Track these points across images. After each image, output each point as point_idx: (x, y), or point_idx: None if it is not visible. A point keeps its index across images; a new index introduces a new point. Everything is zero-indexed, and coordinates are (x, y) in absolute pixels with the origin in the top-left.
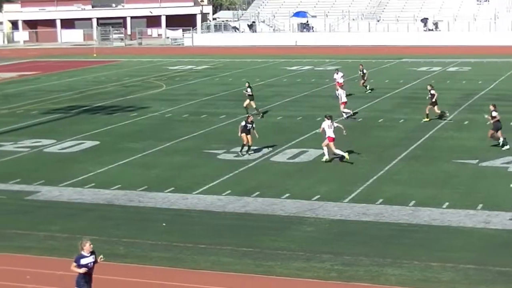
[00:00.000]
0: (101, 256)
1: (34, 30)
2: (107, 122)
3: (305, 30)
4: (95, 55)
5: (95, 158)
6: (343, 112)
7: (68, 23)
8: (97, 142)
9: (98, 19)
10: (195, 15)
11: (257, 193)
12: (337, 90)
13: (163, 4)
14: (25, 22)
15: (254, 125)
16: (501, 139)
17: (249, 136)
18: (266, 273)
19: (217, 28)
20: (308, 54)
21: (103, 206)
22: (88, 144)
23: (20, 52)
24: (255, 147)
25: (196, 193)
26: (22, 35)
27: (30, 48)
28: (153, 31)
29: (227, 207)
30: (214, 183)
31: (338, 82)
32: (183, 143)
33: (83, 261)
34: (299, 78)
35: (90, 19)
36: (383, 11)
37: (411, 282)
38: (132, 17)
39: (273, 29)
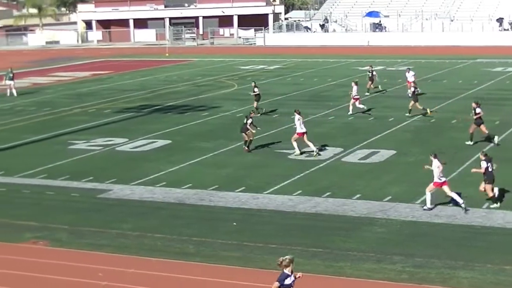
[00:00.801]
0: (300, 273)
1: (107, 30)
2: (179, 121)
3: (377, 30)
4: (167, 54)
5: (166, 157)
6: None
7: (141, 23)
8: (169, 141)
9: (170, 19)
10: (267, 14)
11: (328, 193)
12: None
13: (235, 4)
14: (98, 22)
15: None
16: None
17: (248, 133)
18: (336, 274)
19: (289, 28)
20: (380, 54)
21: (174, 205)
22: (160, 143)
23: (93, 51)
24: (322, 147)
25: (267, 193)
26: (95, 35)
27: (103, 48)
28: (225, 31)
29: (297, 207)
30: (285, 183)
31: (409, 81)
32: (254, 143)
33: (287, 281)
34: None
35: (162, 19)
36: (457, 10)
37: (484, 285)
38: (204, 17)
39: (345, 29)
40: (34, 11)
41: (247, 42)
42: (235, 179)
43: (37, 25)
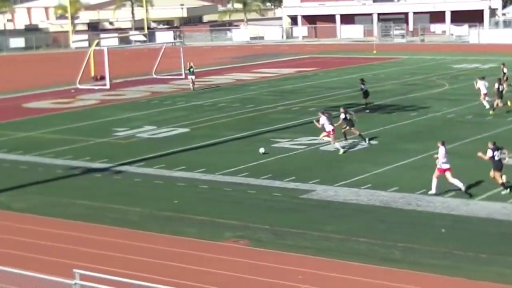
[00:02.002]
0: None
1: (313, 26)
2: (386, 121)
3: None
4: (374, 52)
5: (372, 158)
6: None
7: (347, 19)
8: (375, 142)
9: (379, 14)
10: (482, 10)
11: None
12: None
13: None
14: (304, 17)
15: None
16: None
17: (353, 128)
18: None
19: (507, 24)
20: None
21: (379, 208)
22: (365, 143)
23: (298, 47)
24: None
25: (478, 199)
26: (301, 31)
27: (309, 44)
28: (436, 27)
29: None
30: (498, 189)
31: None
32: (463, 146)
33: None
34: None
35: (370, 14)
36: None
37: None
38: (414, 13)
39: None
40: (239, 6)
41: (460, 39)
42: (442, 183)
43: (242, 21)
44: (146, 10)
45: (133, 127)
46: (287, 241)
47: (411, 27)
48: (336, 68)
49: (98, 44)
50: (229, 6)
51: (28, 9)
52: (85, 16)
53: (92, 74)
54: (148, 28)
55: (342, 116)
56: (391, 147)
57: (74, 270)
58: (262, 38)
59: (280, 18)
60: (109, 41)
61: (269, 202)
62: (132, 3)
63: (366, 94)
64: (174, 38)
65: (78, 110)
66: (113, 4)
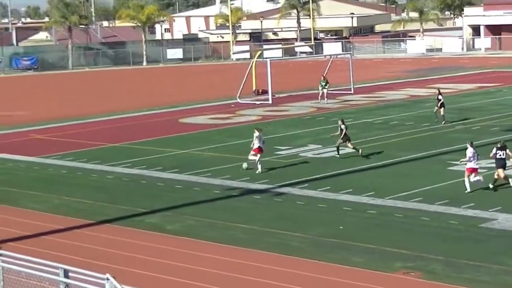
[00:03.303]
0: None
1: (497, 37)
2: None
3: None
4: None
5: None
6: None
7: None
8: None
9: None
10: None
11: None
12: None
13: None
14: (487, 27)
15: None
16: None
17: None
18: None
19: None
20: None
21: None
22: None
23: (480, 61)
24: None
25: None
26: (483, 42)
27: (492, 57)
28: None
29: None
30: None
31: None
32: None
33: None
34: None
35: None
36: None
37: None
38: None
39: None
40: (414, 15)
41: None
42: None
43: (417, 31)
44: (313, 19)
45: (296, 146)
46: (463, 274)
47: None
48: None
49: (260, 56)
50: (404, 15)
51: (187, 18)
52: (247, 26)
53: (254, 88)
54: (315, 38)
55: (342, 127)
56: None
57: None
58: (439, 50)
59: (460, 28)
60: (272, 52)
61: (444, 231)
62: (298, 12)
63: (442, 104)
64: (343, 50)
65: (238, 126)
66: (278, 13)
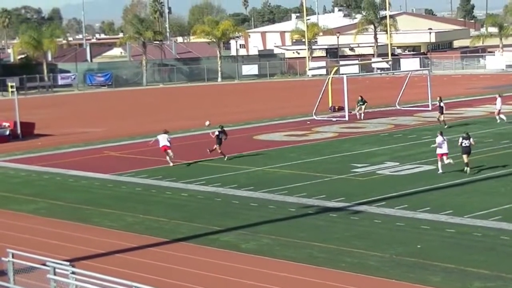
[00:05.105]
0: None
1: None
2: None
3: None
4: None
5: None
6: None
7: None
8: None
9: None
10: None
11: None
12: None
13: None
14: None
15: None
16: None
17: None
18: None
19: None
20: None
21: None
22: None
23: None
24: None
25: None
26: None
27: None
28: None
29: None
30: None
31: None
32: None
33: None
34: None
35: None
36: None
37: None
38: None
39: None
40: (494, 30)
41: None
42: None
43: (497, 46)
44: (390, 35)
45: (373, 163)
46: None
47: None
48: None
49: (337, 72)
50: (483, 30)
51: (263, 33)
52: (323, 41)
53: (330, 104)
54: (392, 54)
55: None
56: None
57: None
58: None
59: None
60: (349, 68)
61: None
62: (375, 27)
63: (442, 110)
64: (421, 66)
65: (314, 144)
66: (354, 28)
